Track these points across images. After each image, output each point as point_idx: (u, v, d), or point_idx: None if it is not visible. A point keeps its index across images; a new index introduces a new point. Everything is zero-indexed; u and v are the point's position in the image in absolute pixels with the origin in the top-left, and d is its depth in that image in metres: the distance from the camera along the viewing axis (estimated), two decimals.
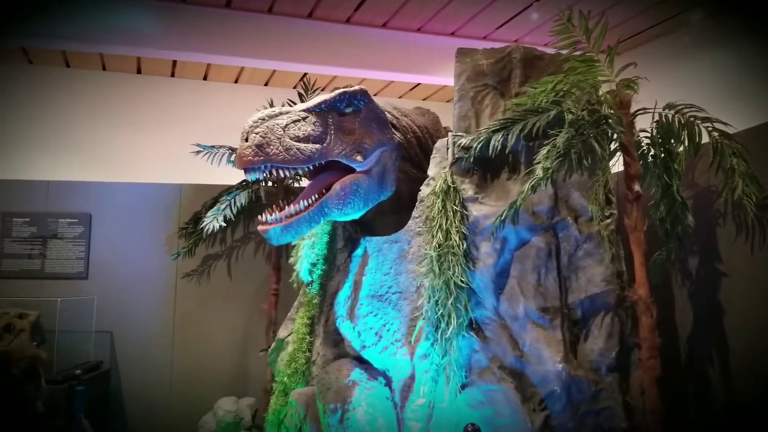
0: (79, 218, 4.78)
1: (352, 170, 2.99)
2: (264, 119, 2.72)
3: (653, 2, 5.07)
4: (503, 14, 5.47)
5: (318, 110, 2.90)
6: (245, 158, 2.65)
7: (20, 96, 5.89)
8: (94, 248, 4.79)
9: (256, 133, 2.67)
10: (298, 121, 2.80)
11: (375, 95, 7.05)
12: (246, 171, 2.71)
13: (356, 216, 3.24)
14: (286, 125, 2.74)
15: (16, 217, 4.74)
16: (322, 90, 6.54)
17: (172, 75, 6.46)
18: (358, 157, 2.93)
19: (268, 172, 2.72)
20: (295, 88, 6.66)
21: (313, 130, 2.81)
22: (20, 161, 5.65)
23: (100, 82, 6.18)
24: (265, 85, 6.77)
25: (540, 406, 2.89)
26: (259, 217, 2.84)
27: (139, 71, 6.34)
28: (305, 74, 6.39)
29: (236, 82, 6.69)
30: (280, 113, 2.80)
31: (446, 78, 5.82)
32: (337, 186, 2.92)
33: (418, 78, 6.32)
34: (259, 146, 2.64)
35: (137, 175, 5.63)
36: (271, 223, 2.77)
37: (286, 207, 2.82)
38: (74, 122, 5.97)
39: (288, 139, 2.71)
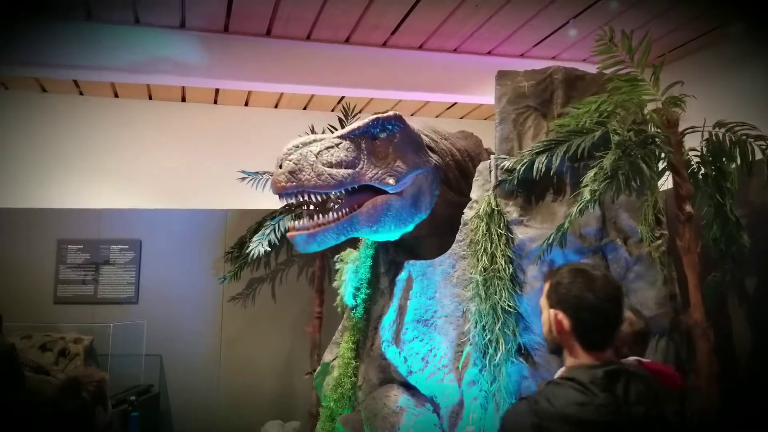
0: (129, 245, 4.95)
1: (385, 191, 3.02)
2: (298, 146, 2.83)
3: (693, 16, 4.99)
4: (540, 32, 5.45)
5: (352, 136, 2.97)
6: (279, 184, 2.76)
7: (72, 126, 6.14)
8: (144, 273, 4.94)
9: (290, 160, 2.77)
10: (332, 147, 2.88)
11: (412, 115, 7.14)
12: (280, 196, 2.82)
13: (390, 236, 3.26)
14: (319, 152, 2.83)
15: (70, 244, 4.93)
16: (360, 112, 6.64)
17: (215, 102, 6.64)
18: (390, 180, 2.97)
19: (300, 197, 2.81)
20: (333, 111, 6.76)
21: (345, 155, 2.89)
22: (74, 190, 5.88)
23: (146, 111, 6.40)
24: (304, 108, 6.89)
25: None
26: (289, 222, 2.91)
27: (183, 99, 6.54)
28: (342, 98, 6.50)
29: (276, 107, 6.84)
30: (314, 140, 2.89)
31: (483, 97, 5.83)
32: (368, 204, 2.96)
33: (455, 98, 6.34)
34: (291, 172, 2.74)
35: (184, 201, 5.79)
36: (298, 229, 2.85)
37: (316, 217, 2.88)
38: (123, 151, 6.19)
39: (320, 165, 2.79)
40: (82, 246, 4.92)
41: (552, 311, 1.76)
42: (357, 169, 2.90)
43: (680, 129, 2.86)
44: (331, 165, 2.82)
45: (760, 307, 3.09)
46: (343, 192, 2.95)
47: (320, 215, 2.88)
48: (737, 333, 3.19)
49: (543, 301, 1.82)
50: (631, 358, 2.12)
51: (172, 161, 6.28)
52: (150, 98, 6.47)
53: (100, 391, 2.68)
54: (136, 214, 5.14)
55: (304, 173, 2.75)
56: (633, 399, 1.51)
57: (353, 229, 2.94)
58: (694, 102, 4.95)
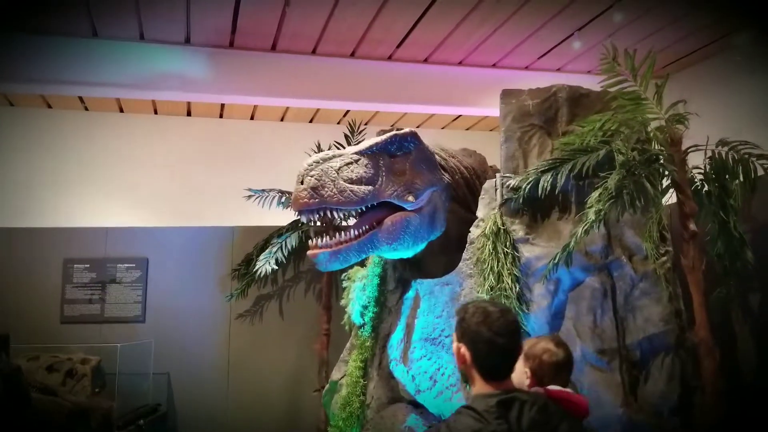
0: (136, 263, 4.97)
1: (403, 208, 3.01)
2: (318, 162, 2.80)
3: (698, 26, 5.01)
4: (545, 44, 5.47)
5: (369, 153, 2.97)
6: (301, 200, 2.72)
7: (77, 142, 6.16)
8: (150, 292, 4.96)
9: (311, 176, 2.74)
10: (351, 163, 2.87)
11: (417, 127, 7.16)
12: (301, 213, 2.78)
13: (406, 254, 3.26)
14: (340, 168, 2.81)
15: (76, 263, 4.95)
16: (366, 125, 6.66)
17: (221, 116, 6.67)
18: (410, 198, 2.97)
19: (322, 214, 2.78)
20: (339, 123, 6.79)
21: (365, 172, 2.88)
22: (79, 208, 5.89)
23: (152, 126, 6.42)
24: (310, 122, 6.91)
25: None
26: (310, 241, 2.89)
27: (189, 113, 6.57)
28: (347, 111, 6.53)
29: (282, 120, 6.86)
30: (334, 156, 2.87)
31: (489, 109, 5.85)
32: (388, 221, 2.95)
33: (461, 110, 6.36)
34: (314, 189, 2.72)
35: (191, 217, 5.81)
36: (321, 248, 2.82)
37: (337, 235, 2.86)
38: (128, 167, 6.21)
39: (342, 182, 2.78)
40: (88, 265, 4.93)
41: (455, 344, 1.88)
42: (377, 186, 2.90)
43: (684, 147, 2.88)
44: (351, 181, 2.81)
45: (765, 322, 3.09)
46: (362, 210, 2.94)
47: (337, 233, 2.86)
48: (742, 348, 3.19)
49: (453, 335, 1.93)
50: (552, 387, 2.25)
51: (178, 177, 6.30)
52: (155, 113, 6.49)
53: (106, 422, 2.71)
54: (143, 232, 5.17)
55: (326, 189, 2.73)
56: (525, 425, 1.65)
57: (373, 247, 2.94)
58: (699, 111, 4.97)
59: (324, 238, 2.86)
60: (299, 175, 2.77)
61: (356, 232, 2.88)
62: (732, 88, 5.27)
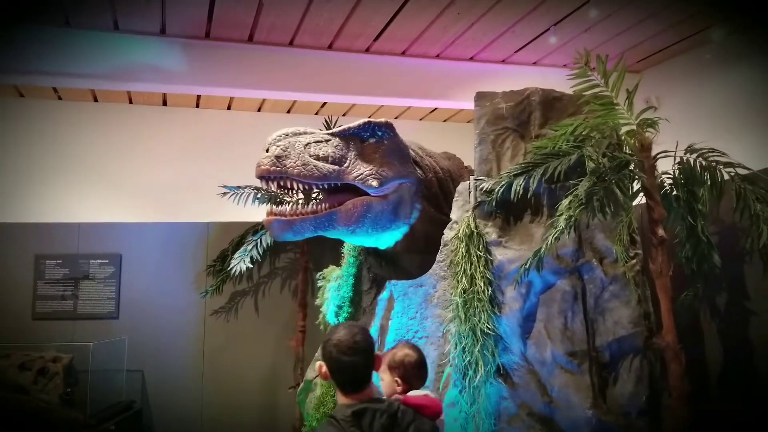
0: (109, 259, 4.89)
1: (367, 194, 3.05)
2: (287, 135, 2.88)
3: (673, 21, 5.05)
4: (522, 38, 5.48)
5: (342, 135, 3.04)
6: (263, 167, 2.79)
7: (48, 132, 6.03)
8: (124, 288, 4.89)
9: (278, 146, 2.81)
10: (321, 142, 2.93)
11: (395, 119, 7.14)
12: (262, 179, 2.85)
13: (367, 241, 3.29)
14: (308, 143, 2.88)
15: (48, 259, 4.86)
16: (343, 116, 6.63)
17: (197, 106, 6.58)
18: (374, 183, 3.01)
19: (282, 183, 2.84)
20: (317, 114, 6.74)
21: (333, 152, 2.93)
22: (51, 203, 5.77)
23: (126, 116, 6.30)
24: (288, 112, 6.85)
25: None
26: (267, 206, 2.93)
27: (164, 103, 6.47)
28: (325, 103, 6.49)
29: (259, 110, 6.80)
30: (305, 132, 2.94)
31: (466, 102, 5.85)
32: (349, 203, 3.00)
33: (438, 103, 6.35)
34: (278, 157, 2.78)
35: (165, 213, 5.74)
36: (276, 214, 2.87)
37: (296, 206, 2.91)
38: (101, 160, 6.09)
39: (307, 156, 2.83)
40: (60, 261, 4.84)
41: (318, 363, 2.17)
42: (343, 167, 2.95)
43: (654, 151, 2.91)
44: (317, 158, 2.86)
45: (731, 323, 3.17)
46: (326, 187, 2.99)
47: (296, 205, 2.94)
48: (708, 348, 3.27)
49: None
50: (411, 394, 2.52)
51: (153, 169, 6.20)
52: (130, 102, 6.38)
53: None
54: (116, 227, 5.08)
55: (289, 160, 2.78)
56: (376, 430, 1.92)
57: (331, 226, 2.96)
58: (671, 106, 5.03)
59: (283, 206, 2.91)
60: (266, 143, 2.83)
61: (314, 208, 2.92)
62: (704, 83, 5.34)
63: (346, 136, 3.04)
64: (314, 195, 3.14)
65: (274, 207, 2.90)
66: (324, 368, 2.13)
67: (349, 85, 5.63)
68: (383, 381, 2.63)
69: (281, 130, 2.89)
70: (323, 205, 2.94)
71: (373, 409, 1.97)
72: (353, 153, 3.00)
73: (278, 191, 2.96)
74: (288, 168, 2.77)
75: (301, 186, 2.89)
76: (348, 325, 2.20)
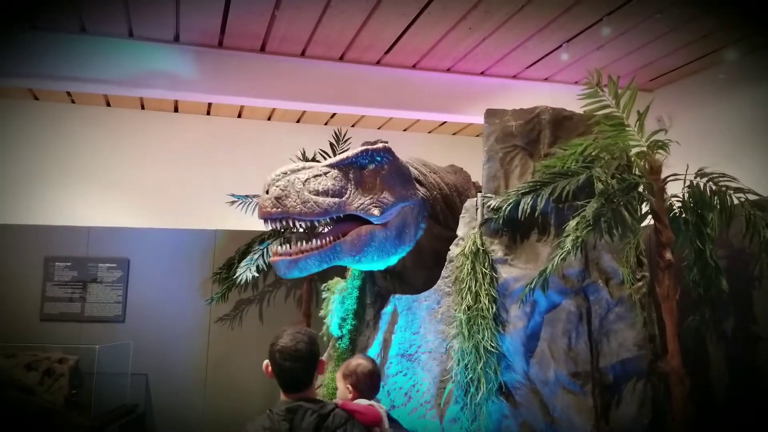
0: (117, 263, 4.94)
1: (370, 221, 3.05)
2: (286, 173, 2.88)
3: (687, 41, 5.05)
4: (533, 54, 5.50)
5: (341, 166, 3.03)
6: (264, 209, 2.82)
7: (62, 135, 6.11)
8: (131, 292, 4.93)
9: (277, 186, 2.83)
10: (320, 176, 2.93)
11: (404, 130, 7.16)
12: (265, 221, 2.87)
13: (374, 267, 3.30)
14: (307, 179, 2.88)
15: (57, 261, 4.90)
16: (353, 126, 6.66)
17: (208, 113, 6.64)
18: (375, 211, 3.01)
19: (285, 223, 2.87)
20: (326, 124, 6.78)
21: (333, 184, 2.94)
22: (62, 206, 5.85)
23: (138, 122, 6.38)
24: (297, 121, 6.89)
25: None
26: (272, 247, 2.97)
27: (176, 109, 6.53)
28: (334, 114, 6.52)
29: (269, 119, 6.84)
30: (303, 168, 2.94)
31: (475, 117, 5.86)
32: (353, 233, 3.01)
33: (447, 117, 6.37)
34: (278, 198, 2.80)
35: (173, 219, 5.79)
36: (281, 254, 2.89)
37: (299, 243, 2.93)
38: (113, 164, 6.17)
39: (306, 193, 2.85)
40: (69, 263, 4.89)
41: (265, 362, 2.30)
42: (344, 199, 2.95)
43: (663, 175, 2.90)
44: (317, 193, 2.88)
45: (737, 350, 3.14)
46: (329, 220, 3.00)
47: (299, 242, 2.92)
48: (714, 372, 3.24)
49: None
50: (355, 401, 2.65)
51: (163, 175, 6.26)
52: (142, 108, 6.45)
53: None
54: (124, 232, 5.13)
55: (290, 200, 2.80)
56: (304, 426, 2.09)
57: (336, 258, 2.98)
58: (684, 127, 5.01)
59: (285, 246, 2.93)
60: (265, 184, 2.86)
61: (318, 243, 2.94)
62: (717, 104, 5.33)
63: (344, 166, 3.03)
64: (322, 225, 3.13)
65: (279, 247, 2.92)
66: (269, 368, 2.27)
67: (359, 97, 5.67)
68: (339, 389, 2.78)
69: (280, 169, 2.90)
70: (327, 238, 2.96)
71: (306, 408, 2.15)
72: (353, 182, 3.01)
73: (283, 229, 2.98)
74: (289, 208, 2.80)
75: (303, 224, 2.94)
76: (294, 332, 2.29)
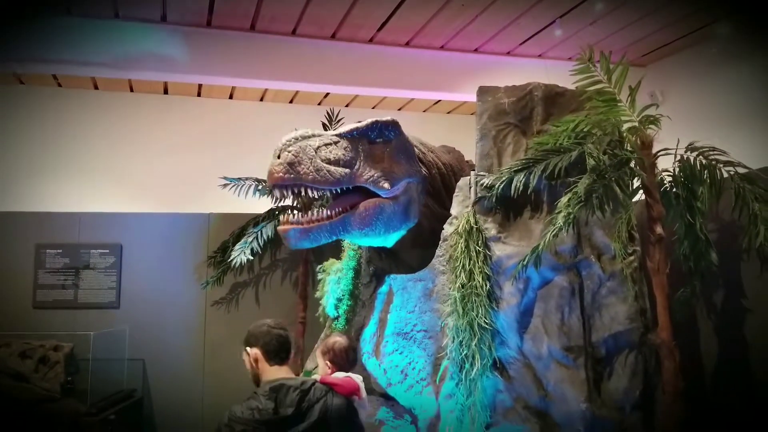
0: (110, 249, 4.91)
1: (378, 194, 3.02)
2: (297, 139, 2.78)
3: (679, 16, 5.02)
4: (527, 30, 5.45)
5: (350, 136, 2.97)
6: (276, 175, 2.70)
7: (49, 120, 6.02)
8: (125, 278, 4.91)
9: (289, 152, 2.72)
10: (330, 144, 2.86)
11: (399, 110, 7.12)
12: (275, 188, 2.76)
13: (378, 242, 3.28)
14: (318, 147, 2.80)
15: (49, 248, 4.87)
16: (346, 106, 6.61)
17: (198, 95, 6.57)
18: (386, 185, 2.97)
19: (296, 191, 2.77)
20: (320, 104, 6.72)
21: (344, 154, 2.87)
22: (51, 192, 5.79)
23: (127, 104, 6.29)
24: (290, 102, 6.83)
25: None
26: (281, 216, 2.88)
27: (165, 91, 6.45)
28: (328, 93, 6.47)
29: (261, 100, 6.78)
30: (313, 135, 2.86)
31: (469, 95, 5.83)
32: (361, 207, 2.95)
33: (441, 95, 6.33)
34: (291, 164, 2.70)
35: (166, 203, 5.74)
36: (292, 224, 2.82)
37: (309, 213, 2.86)
38: (102, 149, 6.09)
39: (319, 161, 2.77)
40: (61, 250, 4.86)
41: (249, 354, 2.45)
42: (354, 170, 2.90)
43: (655, 149, 2.90)
44: (329, 162, 2.81)
45: (727, 320, 3.19)
46: (333, 192, 2.94)
47: (309, 212, 2.85)
48: (704, 344, 3.29)
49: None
50: (331, 376, 2.75)
51: (153, 159, 6.20)
52: (131, 90, 6.37)
53: (69, 425, 2.91)
54: (116, 217, 5.10)
55: (303, 166, 2.71)
56: (287, 403, 2.23)
57: (345, 230, 2.93)
58: (675, 101, 5.00)
59: (296, 215, 2.86)
60: (276, 149, 2.75)
61: (329, 213, 2.88)
62: (709, 79, 5.33)
63: (353, 136, 2.97)
64: (327, 198, 3.08)
65: (290, 216, 2.84)
66: (256, 357, 2.41)
67: (352, 76, 5.60)
68: (319, 365, 2.89)
69: (290, 134, 2.80)
70: (336, 209, 2.90)
71: (288, 386, 2.28)
72: (362, 154, 2.95)
73: (293, 198, 2.86)
74: (302, 175, 2.70)
75: (315, 193, 2.83)
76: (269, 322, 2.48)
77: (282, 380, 2.30)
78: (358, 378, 2.73)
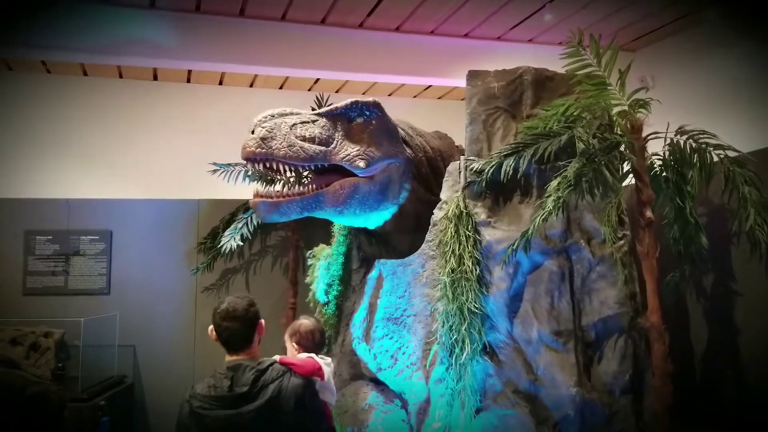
0: (100, 235, 4.89)
1: (355, 174, 3.04)
2: (273, 116, 2.85)
3: (669, 1, 5.00)
4: (517, 15, 5.41)
5: (329, 116, 3.01)
6: (248, 149, 2.77)
7: (37, 106, 5.94)
8: (115, 264, 4.89)
9: (263, 127, 2.79)
10: (307, 122, 2.91)
11: (389, 95, 7.09)
12: (247, 161, 2.83)
13: (355, 222, 3.29)
14: (294, 124, 2.85)
15: (38, 235, 4.84)
16: (336, 92, 6.57)
17: (188, 81, 6.50)
18: (361, 163, 2.99)
19: (267, 165, 2.82)
20: (310, 90, 6.67)
21: (320, 132, 2.91)
22: (40, 178, 5.71)
23: (116, 90, 6.22)
24: (280, 88, 6.77)
25: (554, 430, 2.93)
26: (255, 188, 2.92)
27: (155, 78, 6.39)
28: (317, 79, 6.42)
29: (251, 86, 6.72)
30: (291, 113, 2.91)
31: (460, 80, 5.80)
32: (336, 184, 2.98)
33: (432, 81, 6.29)
34: (263, 139, 2.76)
35: (155, 189, 5.70)
36: (262, 196, 2.87)
37: (283, 188, 2.91)
38: (91, 135, 6.01)
39: (293, 137, 2.81)
40: (50, 237, 4.83)
41: (210, 327, 2.50)
42: (330, 148, 2.93)
43: (644, 133, 2.90)
44: (304, 139, 2.85)
45: (716, 304, 3.20)
46: (313, 168, 2.98)
47: (284, 188, 2.90)
48: (694, 328, 3.31)
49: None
50: (301, 356, 2.82)
51: (143, 145, 6.14)
52: (120, 77, 6.30)
53: (58, 410, 3.04)
54: (106, 204, 5.05)
55: (275, 141, 2.77)
56: (242, 382, 2.32)
57: (318, 207, 2.96)
58: (666, 87, 5.00)
59: (267, 188, 2.92)
60: (251, 125, 2.82)
61: (302, 189, 2.92)
62: (698, 64, 5.32)
63: (333, 116, 3.01)
64: (305, 175, 3.11)
65: (261, 189, 2.90)
66: (213, 333, 2.47)
67: (343, 62, 5.55)
68: (287, 348, 2.96)
69: (267, 111, 2.86)
70: (310, 186, 2.93)
71: (245, 365, 2.37)
72: (340, 133, 2.99)
73: (265, 172, 2.93)
74: (274, 150, 2.75)
75: (287, 167, 2.87)
76: (233, 298, 2.50)
77: (241, 360, 2.39)
78: (325, 360, 2.78)
